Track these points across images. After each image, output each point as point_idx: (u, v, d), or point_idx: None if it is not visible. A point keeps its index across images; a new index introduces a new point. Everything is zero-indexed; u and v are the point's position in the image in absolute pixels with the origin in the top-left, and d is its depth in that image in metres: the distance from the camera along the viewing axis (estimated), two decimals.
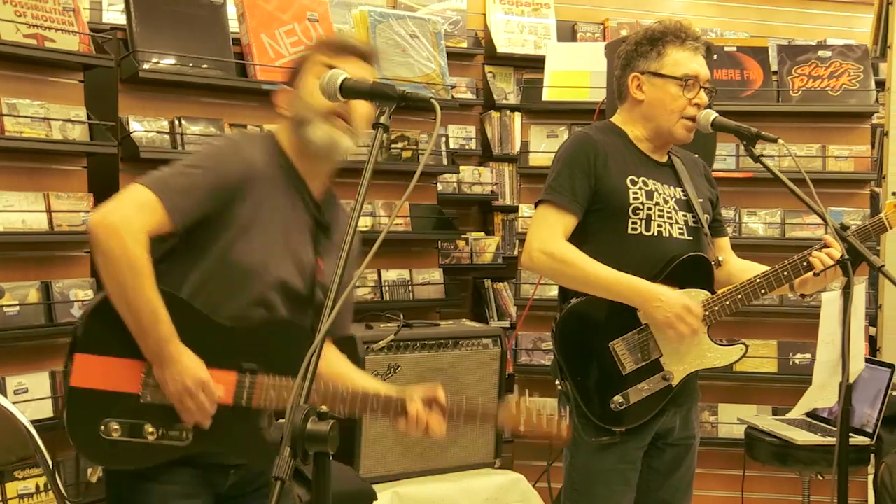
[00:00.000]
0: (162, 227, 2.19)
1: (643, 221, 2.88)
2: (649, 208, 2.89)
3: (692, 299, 2.82)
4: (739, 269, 3.06)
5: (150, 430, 2.22)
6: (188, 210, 2.20)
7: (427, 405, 2.31)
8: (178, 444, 2.24)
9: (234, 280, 2.28)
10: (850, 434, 2.96)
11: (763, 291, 2.89)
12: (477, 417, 2.37)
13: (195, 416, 2.21)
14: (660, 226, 2.89)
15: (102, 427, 2.21)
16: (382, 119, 1.96)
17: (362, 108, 2.32)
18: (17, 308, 3.66)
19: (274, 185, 2.32)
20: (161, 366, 2.20)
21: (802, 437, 4.19)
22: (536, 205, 2.97)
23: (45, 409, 3.70)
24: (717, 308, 2.86)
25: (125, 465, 2.25)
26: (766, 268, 2.95)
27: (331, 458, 1.68)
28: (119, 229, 2.13)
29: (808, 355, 4.72)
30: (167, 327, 2.18)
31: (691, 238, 2.94)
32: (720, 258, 3.01)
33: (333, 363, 2.52)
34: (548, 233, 2.88)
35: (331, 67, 2.20)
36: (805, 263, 2.87)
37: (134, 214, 2.16)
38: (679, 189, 2.99)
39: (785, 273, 2.88)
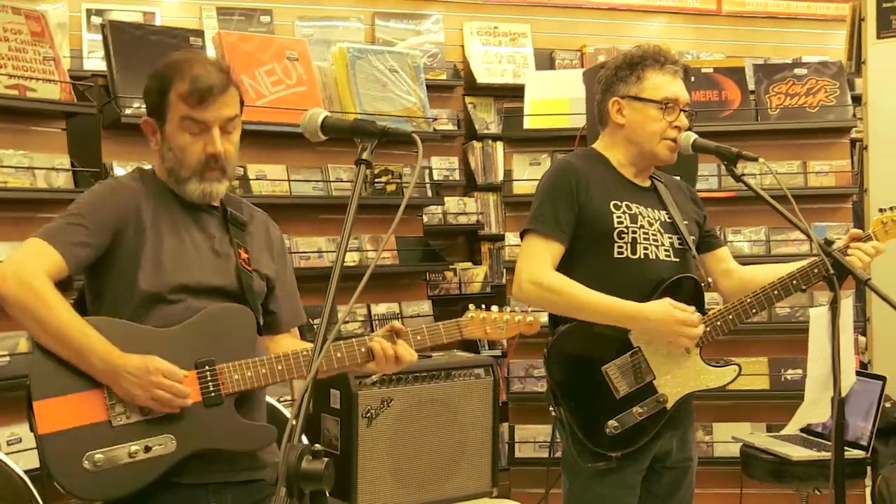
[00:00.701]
0: (59, 270, 2.30)
1: (629, 245, 2.89)
2: (634, 231, 2.89)
3: (676, 304, 2.83)
4: (750, 276, 3.05)
5: (134, 448, 2.25)
6: (78, 252, 2.33)
7: (388, 339, 2.46)
8: (164, 452, 2.27)
9: (145, 302, 2.36)
10: (846, 448, 2.96)
11: (754, 311, 2.90)
12: (441, 335, 2.61)
13: (174, 403, 2.27)
14: (646, 248, 2.90)
15: (86, 462, 2.22)
16: (364, 155, 1.99)
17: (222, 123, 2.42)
18: (8, 358, 3.65)
19: (156, 212, 2.43)
20: (116, 379, 2.25)
21: (798, 452, 4.18)
22: (522, 235, 2.98)
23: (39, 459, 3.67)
24: (707, 330, 2.87)
25: (122, 491, 2.26)
26: (775, 268, 2.97)
27: (327, 495, 1.68)
28: (17, 274, 2.25)
29: (800, 371, 4.74)
30: (102, 343, 2.25)
31: (678, 259, 2.95)
32: (710, 280, 3.02)
33: (294, 345, 2.62)
34: (535, 263, 2.90)
35: (190, 119, 2.37)
36: (794, 282, 2.88)
37: (28, 259, 2.29)
38: (664, 212, 2.99)
39: (775, 292, 2.89)
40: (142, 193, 2.44)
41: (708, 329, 2.86)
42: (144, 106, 2.49)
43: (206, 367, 2.33)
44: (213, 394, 2.32)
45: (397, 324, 2.50)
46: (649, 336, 2.84)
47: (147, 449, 2.26)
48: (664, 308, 2.80)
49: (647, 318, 2.81)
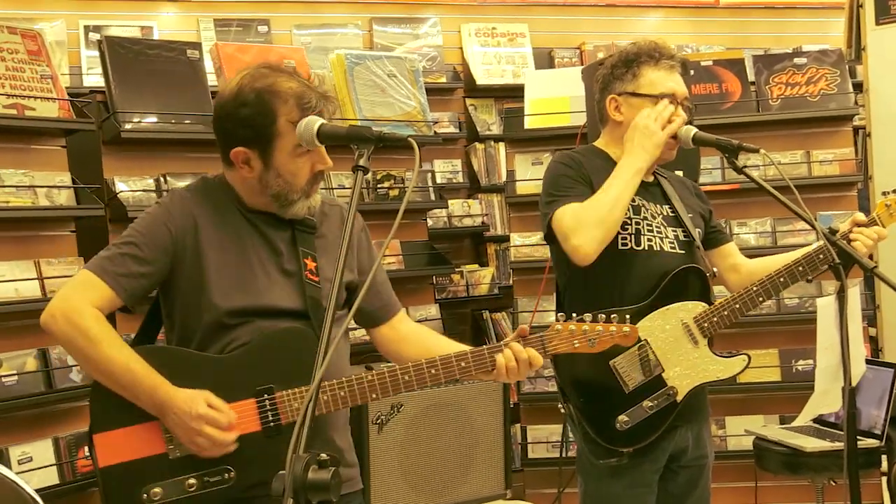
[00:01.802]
0: (111, 302, 2.28)
1: (632, 237, 2.88)
2: (637, 223, 2.89)
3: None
4: (758, 268, 3.04)
5: (192, 482, 2.23)
6: (129, 283, 2.29)
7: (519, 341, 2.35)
8: (224, 486, 2.24)
9: (213, 326, 2.31)
10: (859, 437, 2.95)
11: (761, 299, 2.89)
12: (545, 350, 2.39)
13: (213, 451, 2.22)
14: (650, 240, 2.90)
15: (145, 496, 2.21)
16: (361, 161, 1.98)
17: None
18: (16, 377, 3.65)
19: (219, 229, 2.36)
20: (163, 415, 2.22)
21: (811, 444, 4.16)
22: (548, 222, 2.90)
23: (51, 477, 3.67)
24: (715, 319, 2.86)
25: None
26: (782, 258, 2.96)
27: None
28: (62, 311, 2.23)
29: (811, 361, 4.71)
30: (149, 378, 2.21)
31: (683, 252, 2.94)
32: (715, 270, 3.01)
33: (413, 337, 2.59)
34: (569, 218, 2.82)
35: (301, 145, 2.26)
36: (800, 269, 2.87)
37: (74, 294, 2.26)
38: (667, 206, 2.99)
39: (781, 279, 2.88)
40: (201, 210, 2.37)
41: (715, 319, 2.85)
42: (229, 134, 2.35)
43: (266, 396, 2.27)
44: (272, 423, 2.26)
45: (524, 327, 2.39)
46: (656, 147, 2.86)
47: (205, 482, 2.23)
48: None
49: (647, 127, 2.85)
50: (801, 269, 2.87)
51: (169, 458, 2.24)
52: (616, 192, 2.80)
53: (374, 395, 2.29)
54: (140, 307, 2.41)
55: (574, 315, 2.40)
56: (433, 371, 2.30)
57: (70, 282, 2.32)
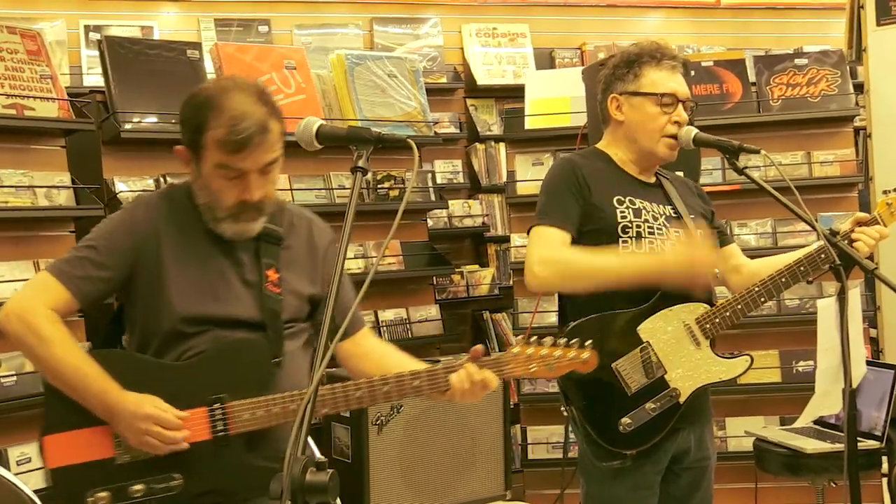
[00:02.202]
0: (68, 305, 2.28)
1: (633, 240, 2.87)
2: (638, 226, 2.88)
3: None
4: (759, 270, 3.02)
5: (138, 487, 2.23)
6: (86, 287, 2.29)
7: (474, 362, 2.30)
8: (171, 493, 2.24)
9: (172, 333, 2.30)
10: (860, 438, 2.94)
11: (763, 299, 2.88)
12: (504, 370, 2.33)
13: (162, 449, 2.21)
14: (651, 242, 2.89)
15: (90, 500, 2.21)
16: (360, 163, 1.96)
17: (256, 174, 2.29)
18: (15, 378, 3.65)
19: (181, 237, 2.35)
20: (112, 419, 2.22)
21: (812, 445, 4.16)
22: (529, 232, 2.95)
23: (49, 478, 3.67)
24: (717, 320, 2.85)
25: None
26: (784, 258, 2.94)
27: None
28: (16, 311, 2.24)
29: (811, 362, 4.70)
30: (99, 382, 2.21)
31: None
32: (717, 271, 3.00)
33: (374, 354, 2.54)
34: (545, 245, 2.85)
35: (226, 167, 2.24)
36: (802, 269, 2.86)
37: (31, 295, 2.28)
38: (669, 207, 2.99)
39: (783, 279, 2.88)
40: (164, 217, 2.36)
41: (717, 320, 2.85)
42: (180, 128, 2.34)
43: (217, 405, 2.26)
44: (221, 433, 2.25)
45: (479, 347, 2.33)
46: (674, 277, 2.76)
47: (151, 488, 2.23)
48: (674, 246, 2.75)
49: (664, 260, 2.77)
50: (802, 268, 2.86)
51: (116, 462, 2.23)
52: (603, 270, 2.79)
53: (324, 410, 2.28)
54: (95, 313, 2.41)
55: (535, 338, 2.35)
56: (385, 388, 2.27)
57: (28, 283, 2.35)
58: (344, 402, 2.27)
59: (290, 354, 2.39)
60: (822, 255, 2.83)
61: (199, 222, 2.37)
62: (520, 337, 2.36)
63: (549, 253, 2.83)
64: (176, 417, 2.22)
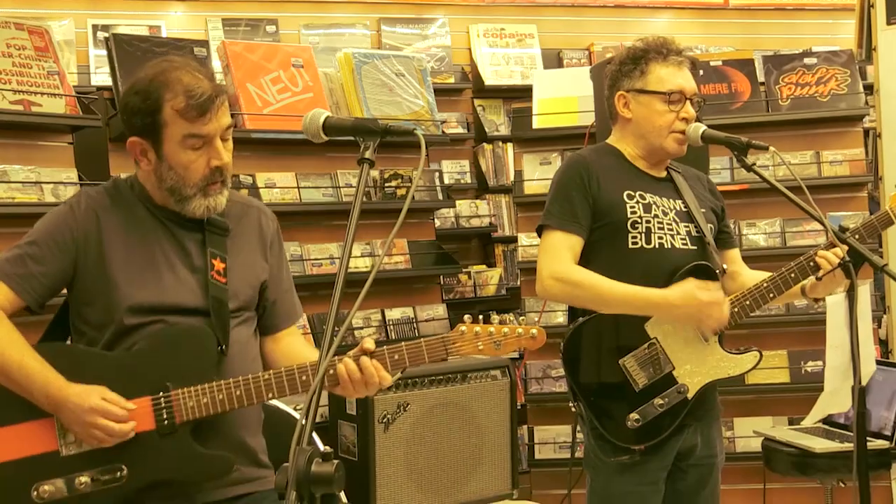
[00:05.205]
0: (12, 303, 2.29)
1: (643, 235, 2.87)
2: (648, 221, 2.88)
3: (699, 284, 2.77)
4: (752, 280, 3.01)
5: (83, 479, 2.21)
6: (29, 284, 2.30)
7: (356, 360, 2.24)
8: (116, 484, 2.22)
9: (121, 324, 2.30)
10: (869, 438, 2.93)
11: (771, 295, 2.87)
12: (424, 354, 2.29)
13: (109, 442, 2.20)
14: (660, 238, 2.88)
15: (35, 493, 2.19)
16: (367, 154, 1.95)
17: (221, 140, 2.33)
18: None
19: (126, 228, 2.35)
20: (57, 411, 2.21)
21: (820, 445, 4.14)
22: (539, 231, 2.95)
23: None
24: (736, 310, 2.84)
25: None
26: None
27: (339, 498, 1.65)
28: None
29: (820, 363, 4.68)
30: (42, 375, 2.20)
31: (695, 248, 2.93)
32: (725, 266, 2.99)
33: (290, 349, 2.53)
34: (556, 258, 2.87)
35: (193, 136, 2.26)
36: (812, 263, 2.84)
37: None
38: (679, 201, 2.97)
39: (792, 275, 2.86)
40: (107, 208, 2.36)
41: (736, 310, 2.84)
42: (126, 124, 2.34)
43: (161, 394, 2.25)
44: (166, 422, 2.24)
45: (370, 342, 2.26)
46: (680, 321, 2.80)
47: (96, 480, 2.21)
48: (687, 292, 2.75)
49: (672, 304, 2.76)
50: (811, 263, 2.85)
51: (61, 455, 2.22)
52: (612, 301, 2.81)
53: (270, 395, 2.27)
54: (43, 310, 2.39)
55: (480, 317, 2.34)
56: (267, 382, 2.27)
57: None
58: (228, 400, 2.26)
59: (238, 342, 2.39)
60: (812, 264, 2.83)
61: (144, 212, 2.38)
62: (466, 316, 2.34)
63: (561, 270, 2.85)
64: (122, 409, 2.21)
